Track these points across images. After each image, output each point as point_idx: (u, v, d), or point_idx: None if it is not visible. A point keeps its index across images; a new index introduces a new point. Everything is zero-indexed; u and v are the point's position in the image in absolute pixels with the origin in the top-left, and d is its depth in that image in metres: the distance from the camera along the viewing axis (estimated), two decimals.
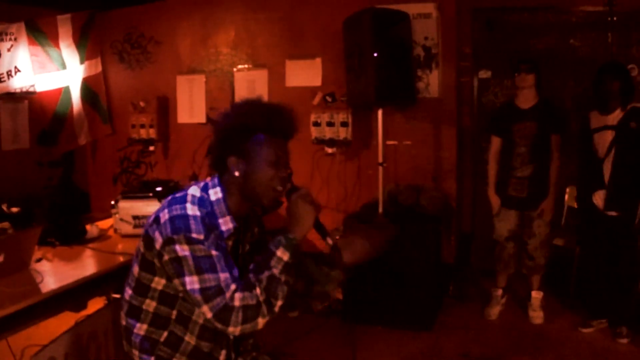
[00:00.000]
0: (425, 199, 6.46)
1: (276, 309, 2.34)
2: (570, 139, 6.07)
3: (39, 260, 3.95)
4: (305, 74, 7.38)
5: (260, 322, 2.34)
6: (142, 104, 8.22)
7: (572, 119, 6.47)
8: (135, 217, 4.58)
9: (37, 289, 3.44)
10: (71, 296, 3.63)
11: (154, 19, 8.23)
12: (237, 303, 2.29)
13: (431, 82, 6.85)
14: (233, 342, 2.72)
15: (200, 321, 2.53)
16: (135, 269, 2.60)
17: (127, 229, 4.61)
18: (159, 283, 2.53)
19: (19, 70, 7.39)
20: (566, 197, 6.74)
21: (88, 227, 4.67)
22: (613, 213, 5.44)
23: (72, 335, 3.70)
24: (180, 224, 2.38)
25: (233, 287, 2.32)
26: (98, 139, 8.74)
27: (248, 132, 2.53)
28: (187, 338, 2.55)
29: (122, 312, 2.68)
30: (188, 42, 7.99)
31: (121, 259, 4.09)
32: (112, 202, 4.79)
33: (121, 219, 4.66)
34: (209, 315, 2.31)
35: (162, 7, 8.12)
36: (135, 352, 2.61)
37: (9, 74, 7.28)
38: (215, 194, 2.55)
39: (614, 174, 5.42)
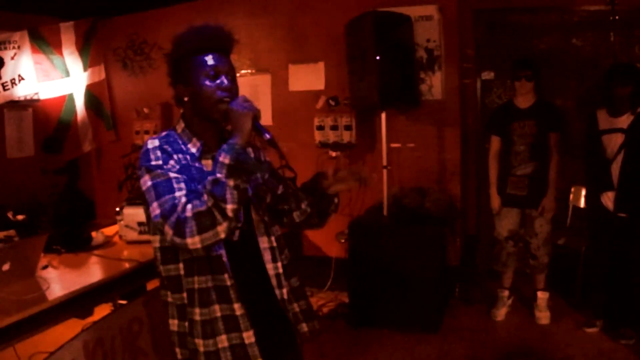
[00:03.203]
0: (430, 201, 6.47)
1: (229, 213, 2.30)
2: (572, 139, 6.09)
3: (45, 267, 3.96)
4: (308, 78, 7.40)
5: (220, 230, 2.32)
6: (145, 110, 8.27)
7: (575, 118, 6.49)
8: (140, 224, 4.56)
9: (44, 296, 3.45)
10: (77, 303, 3.63)
11: (157, 26, 8.25)
12: (188, 214, 2.30)
13: (434, 84, 6.85)
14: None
15: (200, 253, 2.53)
16: None
17: (133, 235, 4.61)
18: (155, 240, 2.61)
19: (22, 79, 7.41)
20: (571, 196, 6.75)
21: (94, 234, 4.67)
22: (623, 215, 5.43)
23: (79, 342, 3.70)
24: (142, 159, 2.49)
25: (184, 200, 2.34)
26: (102, 145, 8.78)
27: (184, 59, 2.62)
28: (196, 285, 2.55)
29: None
30: None
31: (127, 265, 4.09)
32: (117, 209, 4.79)
33: (126, 226, 4.66)
34: (170, 232, 2.32)
35: (164, 13, 8.14)
36: (174, 322, 2.64)
37: (12, 82, 7.30)
38: (179, 127, 2.66)
39: (623, 177, 5.41)
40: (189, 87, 2.60)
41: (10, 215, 5.85)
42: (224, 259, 2.56)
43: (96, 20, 8.37)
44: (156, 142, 2.53)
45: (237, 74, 2.71)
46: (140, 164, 2.48)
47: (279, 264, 2.75)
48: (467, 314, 6.42)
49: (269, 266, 2.72)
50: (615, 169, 5.44)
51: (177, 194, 2.37)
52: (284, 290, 2.75)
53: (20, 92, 7.44)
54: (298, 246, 7.48)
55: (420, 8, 6.75)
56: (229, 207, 2.31)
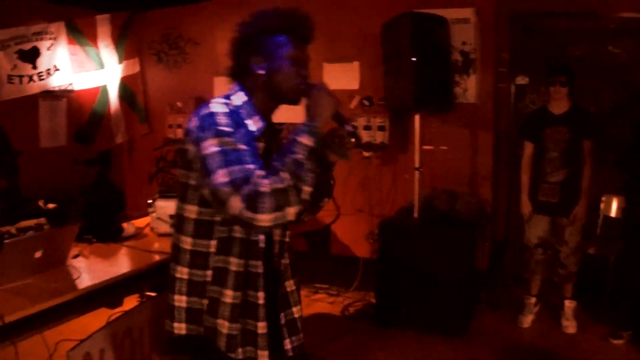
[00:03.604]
0: (460, 204, 6.44)
1: (304, 196, 2.27)
2: (606, 147, 6.04)
3: (75, 256, 3.98)
4: (342, 77, 7.38)
5: (290, 211, 2.26)
6: (179, 104, 8.31)
7: (609, 126, 6.43)
8: (172, 216, 4.58)
9: (74, 285, 3.47)
10: (107, 293, 3.65)
11: (192, 21, 8.29)
12: (266, 189, 2.20)
13: (469, 88, 6.81)
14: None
15: (239, 235, 2.49)
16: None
17: (164, 227, 4.62)
18: (191, 211, 2.50)
19: (58, 69, 7.46)
20: (602, 205, 6.67)
21: (125, 225, 4.70)
22: None
23: (108, 331, 3.72)
24: (207, 121, 2.38)
25: (259, 172, 2.25)
26: (135, 138, 8.83)
27: (268, 34, 2.57)
28: (232, 267, 2.49)
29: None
30: (226, 44, 7.97)
31: (157, 257, 4.11)
32: (149, 201, 4.81)
33: (158, 218, 4.68)
34: (240, 205, 2.19)
35: (200, 8, 8.16)
36: (182, 298, 2.55)
37: (48, 72, 7.35)
38: (239, 98, 2.56)
39: None
40: (269, 62, 2.56)
41: (41, 203, 5.88)
42: (262, 244, 2.55)
43: (132, 13, 8.43)
44: (224, 108, 2.45)
45: None
46: (202, 125, 2.37)
47: (282, 261, 2.73)
48: (493, 319, 6.38)
49: (275, 260, 2.70)
50: None
51: (249, 167, 2.26)
52: (280, 290, 2.73)
53: (55, 82, 7.50)
54: (326, 245, 7.48)
55: (457, 10, 6.72)
56: (307, 189, 2.29)
